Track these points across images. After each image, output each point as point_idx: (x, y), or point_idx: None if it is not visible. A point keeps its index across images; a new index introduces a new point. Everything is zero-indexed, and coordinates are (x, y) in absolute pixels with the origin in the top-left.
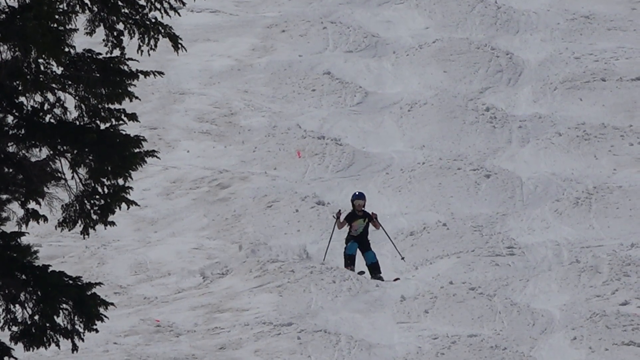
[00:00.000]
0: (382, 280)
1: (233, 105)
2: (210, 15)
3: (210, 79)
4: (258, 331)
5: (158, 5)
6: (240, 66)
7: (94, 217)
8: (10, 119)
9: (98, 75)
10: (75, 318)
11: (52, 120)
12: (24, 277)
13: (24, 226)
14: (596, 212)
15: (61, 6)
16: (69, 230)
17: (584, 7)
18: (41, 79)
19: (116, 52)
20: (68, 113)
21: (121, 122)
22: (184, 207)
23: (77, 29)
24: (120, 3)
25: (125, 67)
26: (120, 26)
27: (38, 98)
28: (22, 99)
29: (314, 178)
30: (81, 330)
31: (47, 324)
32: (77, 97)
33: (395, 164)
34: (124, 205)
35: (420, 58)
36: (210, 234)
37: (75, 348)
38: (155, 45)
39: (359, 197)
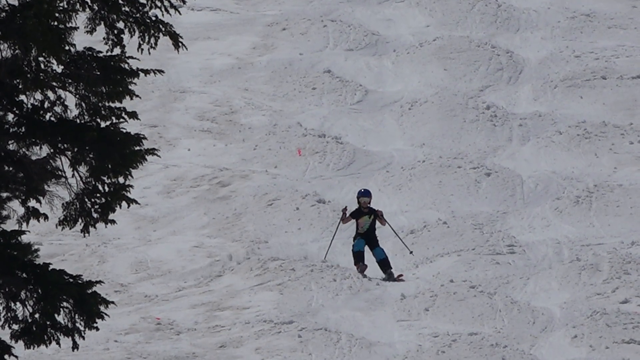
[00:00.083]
0: (393, 275)
1: (233, 103)
2: (211, 13)
3: (211, 77)
4: (259, 329)
5: (158, 4)
6: (241, 64)
7: (95, 215)
8: (10, 117)
9: (98, 73)
10: (76, 316)
11: (52, 119)
12: (24, 275)
13: (24, 224)
14: (596, 210)
15: (61, 4)
16: (70, 228)
17: (584, 5)
18: (41, 77)
19: (116, 51)
20: (68, 111)
21: (121, 120)
22: (185, 205)
23: (78, 27)
24: (120, 1)
25: (126, 66)
26: (121, 24)
27: (38, 96)
28: (22, 97)
29: (315, 176)
30: (82, 328)
31: (48, 322)
32: (77, 96)
33: (395, 162)
34: (124, 203)
35: (420, 56)
36: (211, 232)
37: (75, 346)
38: (156, 44)
39: (364, 194)
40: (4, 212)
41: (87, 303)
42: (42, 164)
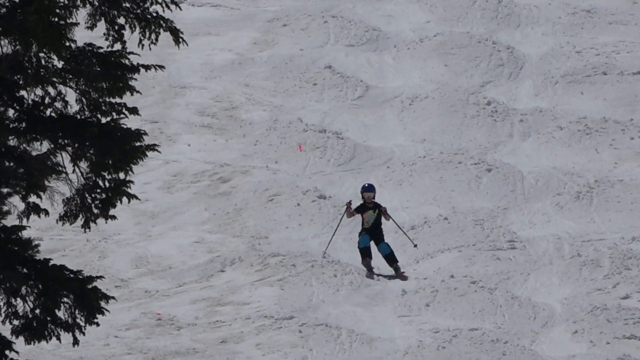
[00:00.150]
0: (400, 270)
1: (234, 99)
2: (211, 9)
3: (211, 72)
4: (259, 325)
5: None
6: (242, 60)
7: (95, 210)
8: (11, 112)
9: (99, 69)
10: (76, 312)
11: (53, 114)
12: (25, 270)
13: (25, 220)
14: (597, 205)
15: (62, 0)
16: (70, 224)
17: (585, 1)
18: (42, 73)
19: (117, 46)
20: (69, 107)
21: (122, 115)
22: (185, 200)
23: (78, 23)
24: None
25: (126, 61)
26: (121, 20)
27: (39, 92)
28: (23, 92)
29: (315, 172)
30: (82, 323)
31: (48, 318)
32: (78, 91)
33: (396, 158)
34: (124, 199)
35: (421, 52)
36: (211, 228)
37: (76, 341)
38: (156, 39)
39: (368, 189)
40: (5, 208)
41: (88, 298)
42: (43, 159)
